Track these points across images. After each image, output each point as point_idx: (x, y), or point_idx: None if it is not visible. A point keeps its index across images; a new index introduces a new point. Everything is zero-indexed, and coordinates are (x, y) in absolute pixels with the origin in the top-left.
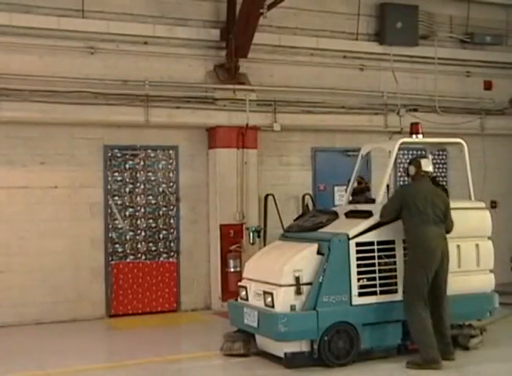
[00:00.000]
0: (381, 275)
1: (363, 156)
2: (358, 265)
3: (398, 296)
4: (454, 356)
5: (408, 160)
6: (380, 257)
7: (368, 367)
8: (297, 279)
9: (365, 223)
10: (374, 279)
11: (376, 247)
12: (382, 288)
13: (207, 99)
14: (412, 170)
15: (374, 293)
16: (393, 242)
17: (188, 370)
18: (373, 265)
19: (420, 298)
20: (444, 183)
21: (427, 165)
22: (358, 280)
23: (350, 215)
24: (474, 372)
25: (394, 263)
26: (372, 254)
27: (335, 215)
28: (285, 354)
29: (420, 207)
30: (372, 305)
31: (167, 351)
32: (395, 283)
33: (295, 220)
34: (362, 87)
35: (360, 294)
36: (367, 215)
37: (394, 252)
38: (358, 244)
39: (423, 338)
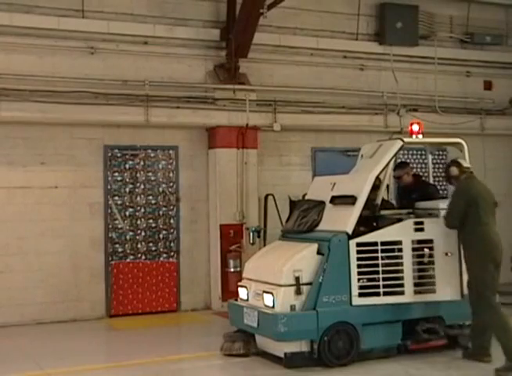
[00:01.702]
0: (383, 276)
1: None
2: (359, 266)
3: (403, 298)
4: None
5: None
6: (380, 258)
7: (368, 367)
8: (297, 279)
9: (355, 212)
10: (374, 279)
11: (379, 247)
12: (384, 289)
13: (207, 99)
14: (454, 170)
15: (375, 294)
16: (394, 243)
17: (188, 370)
18: (373, 265)
19: (495, 296)
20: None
21: (465, 162)
22: (358, 280)
23: (336, 201)
24: (474, 372)
25: (397, 264)
26: (372, 255)
27: (323, 205)
28: (285, 354)
29: (488, 204)
30: (372, 305)
31: (167, 351)
32: (398, 285)
33: (287, 220)
34: (362, 87)
35: (360, 295)
36: (352, 199)
37: (395, 253)
38: (358, 244)
39: (508, 335)
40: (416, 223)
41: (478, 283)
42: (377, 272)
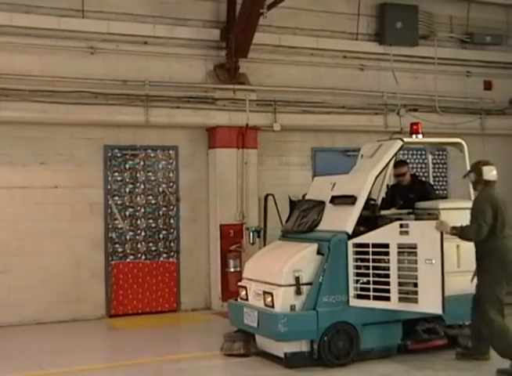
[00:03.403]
0: (373, 279)
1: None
2: (355, 267)
3: (389, 304)
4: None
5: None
6: (371, 260)
7: (368, 367)
8: (297, 279)
9: (355, 212)
10: (367, 282)
11: (370, 249)
12: (374, 293)
13: (207, 99)
14: (472, 177)
15: (367, 297)
16: (383, 246)
17: (188, 370)
18: (366, 268)
19: (494, 309)
20: (443, 182)
21: (488, 173)
22: (356, 281)
23: (336, 201)
24: (474, 373)
25: (384, 268)
26: (365, 257)
27: (323, 205)
28: (285, 354)
29: (505, 217)
30: None
31: (167, 351)
32: (385, 290)
33: (287, 220)
34: (362, 87)
35: (356, 297)
36: (352, 199)
37: (383, 256)
38: (354, 245)
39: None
40: (402, 226)
41: (484, 298)
42: (369, 275)
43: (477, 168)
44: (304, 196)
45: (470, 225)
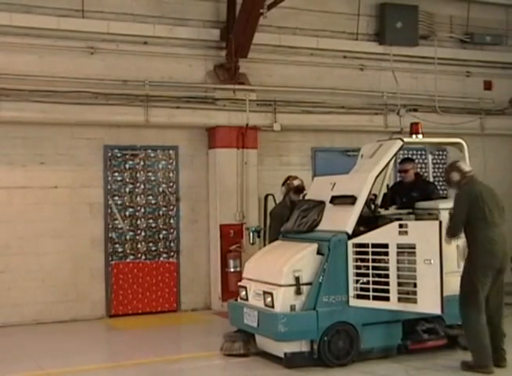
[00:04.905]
0: (373, 279)
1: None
2: (355, 267)
3: (388, 305)
4: (506, 363)
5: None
6: (371, 260)
7: (368, 367)
8: (297, 279)
9: (355, 211)
10: (367, 282)
11: (370, 249)
12: (373, 293)
13: (207, 99)
14: (455, 176)
15: (366, 297)
16: (382, 246)
17: (188, 370)
18: (366, 268)
19: (475, 301)
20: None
21: (466, 166)
22: (356, 281)
23: (336, 201)
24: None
25: (384, 268)
26: (365, 257)
27: (323, 205)
28: (285, 354)
29: (490, 208)
30: None
31: (167, 351)
32: (385, 291)
33: (287, 220)
34: (362, 87)
35: (355, 297)
36: (352, 199)
37: (382, 256)
38: (354, 245)
39: (475, 342)
40: (401, 226)
41: (463, 288)
42: (369, 275)
43: (454, 166)
44: (304, 196)
45: (448, 226)
